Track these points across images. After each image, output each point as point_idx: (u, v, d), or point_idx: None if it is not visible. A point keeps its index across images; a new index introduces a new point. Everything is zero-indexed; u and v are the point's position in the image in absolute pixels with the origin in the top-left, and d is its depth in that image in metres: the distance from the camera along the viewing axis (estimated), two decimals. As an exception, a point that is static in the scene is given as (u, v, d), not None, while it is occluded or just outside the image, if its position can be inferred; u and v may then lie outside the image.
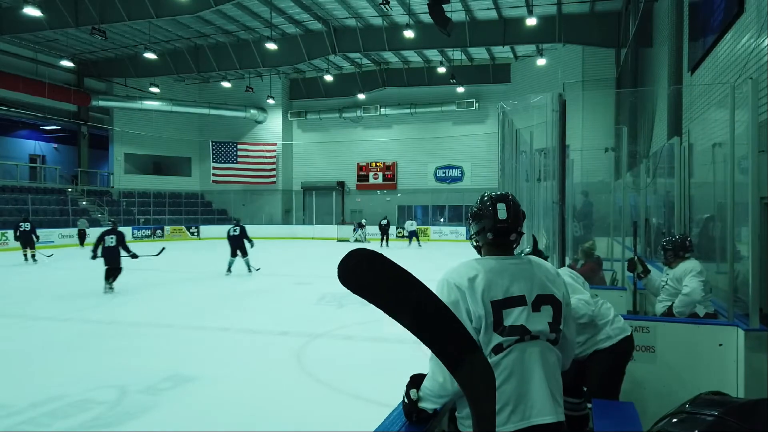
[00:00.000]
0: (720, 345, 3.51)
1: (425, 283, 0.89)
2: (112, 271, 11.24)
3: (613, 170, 8.21)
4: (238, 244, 13.98)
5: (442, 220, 31.34)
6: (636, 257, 4.92)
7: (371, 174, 32.40)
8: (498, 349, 1.73)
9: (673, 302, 4.23)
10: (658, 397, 3.60)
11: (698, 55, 8.87)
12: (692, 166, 6.92)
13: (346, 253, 0.82)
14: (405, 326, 0.84)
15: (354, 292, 0.80)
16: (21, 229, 17.41)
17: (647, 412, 3.51)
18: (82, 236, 24.25)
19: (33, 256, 17.56)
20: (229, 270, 14.10)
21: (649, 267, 5.00)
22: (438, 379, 1.74)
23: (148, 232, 28.87)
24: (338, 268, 0.79)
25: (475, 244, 2.01)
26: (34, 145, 32.31)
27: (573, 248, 7.46)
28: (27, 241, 17.39)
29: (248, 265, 14.20)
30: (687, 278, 4.15)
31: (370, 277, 0.81)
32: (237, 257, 14.07)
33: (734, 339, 3.46)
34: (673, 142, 7.06)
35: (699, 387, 3.52)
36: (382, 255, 0.80)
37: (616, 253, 7.75)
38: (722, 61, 7.50)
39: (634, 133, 14.24)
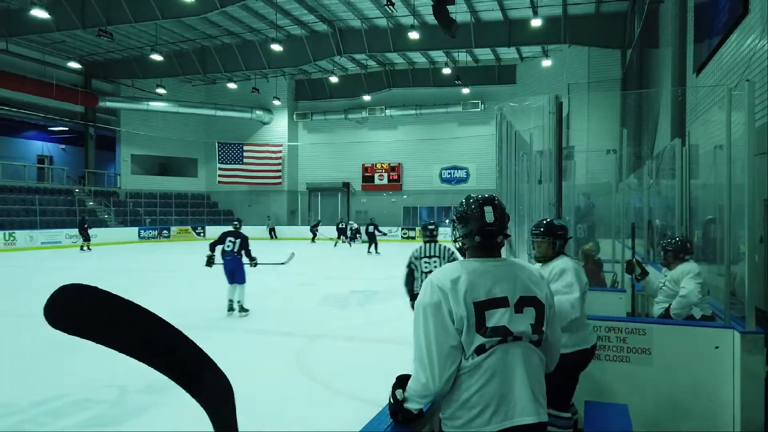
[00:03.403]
0: (716, 347, 3.50)
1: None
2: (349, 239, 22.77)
3: (616, 172, 8.17)
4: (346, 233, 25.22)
5: (447, 221, 31.32)
6: (634, 259, 4.91)
7: (376, 175, 32.42)
8: (480, 350, 1.74)
9: (670, 304, 4.22)
10: (654, 400, 3.59)
11: (703, 56, 8.83)
12: (696, 168, 6.88)
13: (54, 291, 0.73)
14: (136, 358, 0.77)
15: (71, 334, 0.72)
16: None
17: (642, 415, 3.51)
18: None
19: (88, 247, 22.39)
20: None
21: (649, 269, 4.99)
22: (421, 379, 1.76)
23: (155, 232, 29.03)
24: (45, 309, 0.71)
25: (459, 246, 2.02)
26: (41, 146, 32.55)
27: (574, 250, 7.45)
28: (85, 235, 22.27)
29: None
30: (684, 280, 4.14)
31: (88, 315, 0.73)
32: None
33: (730, 341, 3.45)
34: (675, 144, 7.04)
35: (695, 389, 3.54)
36: (96, 288, 0.74)
37: (619, 254, 7.73)
38: (727, 63, 7.46)
39: (638, 135, 14.18)
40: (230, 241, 8.91)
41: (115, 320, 0.77)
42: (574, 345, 3.11)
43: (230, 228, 9.20)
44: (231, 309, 9.03)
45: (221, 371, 0.86)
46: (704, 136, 7.63)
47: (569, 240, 3.40)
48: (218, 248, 8.91)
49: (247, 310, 9.04)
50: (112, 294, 0.76)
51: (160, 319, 0.80)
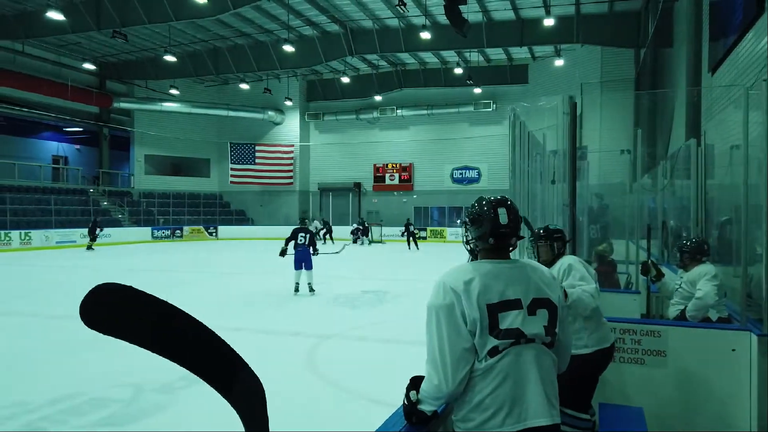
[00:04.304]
0: (733, 350, 3.46)
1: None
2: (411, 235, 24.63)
3: (629, 172, 8.12)
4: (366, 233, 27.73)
5: (458, 221, 31.23)
6: (649, 261, 4.86)
7: (388, 175, 32.43)
8: (494, 352, 1.74)
9: (686, 306, 4.17)
10: (669, 403, 3.56)
11: (718, 55, 8.74)
12: (712, 168, 6.81)
13: (89, 290, 0.71)
14: (169, 358, 0.76)
15: (106, 334, 0.71)
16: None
17: (657, 418, 3.48)
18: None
19: (91, 246, 22.46)
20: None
21: (663, 270, 4.94)
22: (434, 381, 1.76)
23: (168, 232, 29.24)
24: (81, 309, 0.69)
25: (471, 247, 2.01)
26: (56, 147, 32.91)
27: (588, 251, 7.40)
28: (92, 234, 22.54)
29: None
30: (701, 282, 4.08)
31: (124, 315, 0.71)
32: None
33: (747, 344, 3.41)
34: (690, 144, 6.96)
35: (710, 392, 3.50)
36: (131, 287, 0.73)
37: (633, 255, 7.66)
38: (743, 62, 7.38)
39: (652, 135, 14.05)
40: (302, 236, 10.93)
41: (151, 320, 0.75)
42: (594, 344, 3.10)
43: (298, 225, 11.47)
44: (297, 290, 11.04)
45: (253, 372, 0.86)
46: (720, 136, 7.54)
47: (570, 241, 3.43)
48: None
49: (314, 290, 11.03)
50: (148, 294, 0.75)
51: (195, 319, 0.80)
